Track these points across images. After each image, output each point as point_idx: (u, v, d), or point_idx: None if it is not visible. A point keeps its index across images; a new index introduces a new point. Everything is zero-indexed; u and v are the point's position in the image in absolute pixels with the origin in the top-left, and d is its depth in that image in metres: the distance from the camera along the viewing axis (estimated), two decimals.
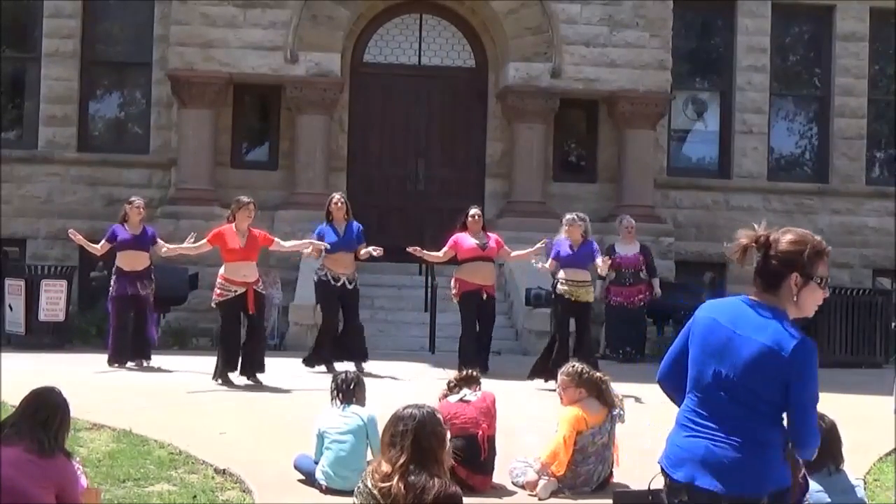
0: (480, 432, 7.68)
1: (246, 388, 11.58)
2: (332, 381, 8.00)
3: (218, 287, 11.89)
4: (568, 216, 12.59)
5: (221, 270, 11.91)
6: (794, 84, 20.38)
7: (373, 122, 18.54)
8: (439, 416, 4.79)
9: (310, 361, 12.80)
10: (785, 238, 4.03)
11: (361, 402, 7.90)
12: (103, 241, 13.23)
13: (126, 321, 13.09)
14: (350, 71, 18.34)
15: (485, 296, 12.83)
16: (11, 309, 15.07)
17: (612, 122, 18.38)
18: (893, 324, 15.72)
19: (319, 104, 17.59)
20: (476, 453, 7.62)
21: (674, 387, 4.21)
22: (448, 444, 4.76)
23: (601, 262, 12.28)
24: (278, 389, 11.53)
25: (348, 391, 7.86)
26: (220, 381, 11.72)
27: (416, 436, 4.59)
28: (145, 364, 13.05)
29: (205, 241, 12.17)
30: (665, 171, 19.14)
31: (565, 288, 12.26)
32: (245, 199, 12.19)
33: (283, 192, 17.74)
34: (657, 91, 18.05)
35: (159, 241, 13.27)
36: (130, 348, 13.05)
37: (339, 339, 12.95)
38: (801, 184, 19.60)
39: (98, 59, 18.93)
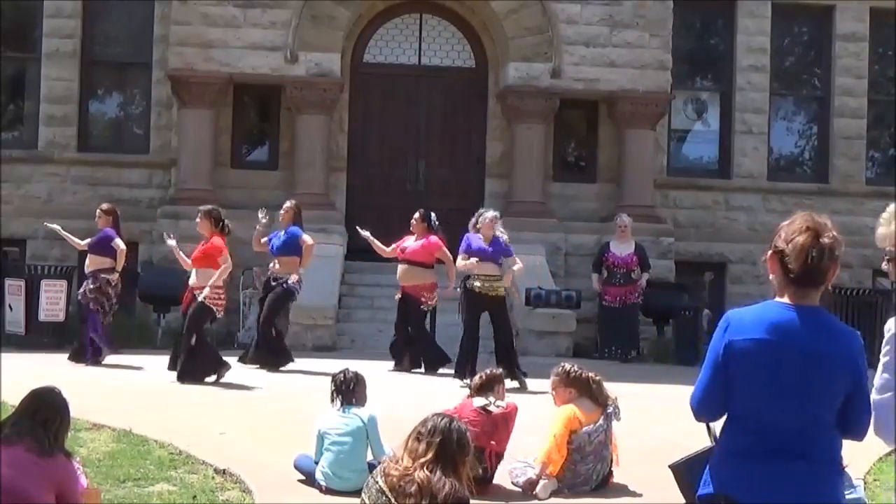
0: (489, 449, 7.65)
1: (245, 388, 11.59)
2: (332, 381, 7.99)
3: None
4: (489, 213, 12.79)
5: None
6: (794, 84, 20.37)
7: (373, 122, 18.53)
8: (469, 434, 4.82)
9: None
10: (831, 229, 3.74)
11: (361, 402, 7.89)
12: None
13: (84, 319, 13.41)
14: (350, 71, 18.34)
15: (398, 295, 13.32)
16: (11, 309, 15.08)
17: (612, 122, 18.38)
18: None
19: (319, 104, 17.58)
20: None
21: (715, 417, 3.93)
22: (470, 459, 4.78)
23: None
24: (278, 389, 11.53)
25: (348, 391, 7.84)
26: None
27: (443, 438, 4.63)
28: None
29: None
30: (665, 171, 19.14)
31: (479, 284, 12.36)
32: (201, 207, 12.53)
33: (283, 192, 17.67)
34: (657, 91, 18.05)
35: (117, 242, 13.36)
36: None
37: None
38: (801, 184, 19.60)
39: (98, 59, 18.92)
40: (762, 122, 19.43)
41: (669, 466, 4.08)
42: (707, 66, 20.13)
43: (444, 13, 18.61)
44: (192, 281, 12.07)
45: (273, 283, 13.17)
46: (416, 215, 13.54)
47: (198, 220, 12.32)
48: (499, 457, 7.77)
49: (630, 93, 17.92)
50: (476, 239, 12.49)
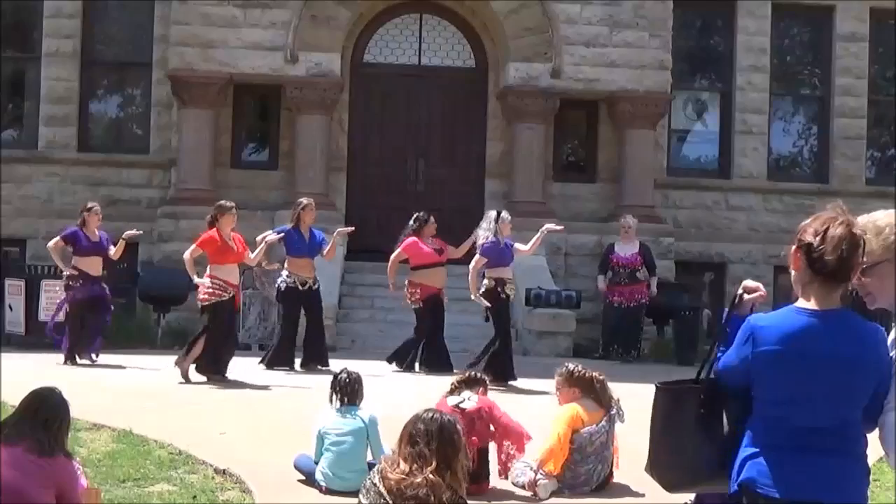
0: (470, 445, 7.60)
1: (245, 388, 11.59)
2: (333, 381, 7.97)
3: (214, 287, 11.85)
4: (504, 213, 12.63)
5: (212, 272, 11.92)
6: (794, 84, 20.38)
7: (373, 122, 18.54)
8: (459, 427, 4.77)
9: (271, 363, 12.92)
10: (855, 224, 3.68)
11: (360, 402, 7.87)
12: (58, 239, 13.47)
13: (84, 321, 13.35)
14: (350, 71, 18.34)
15: (445, 299, 13.26)
16: (11, 309, 15.08)
17: (612, 122, 18.38)
18: (893, 324, 15.69)
19: (319, 104, 17.58)
20: None
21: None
22: (464, 455, 4.71)
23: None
24: (278, 389, 11.53)
25: (350, 392, 7.84)
26: (207, 378, 11.84)
27: (437, 439, 4.56)
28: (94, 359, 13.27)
29: (194, 246, 12.13)
30: (665, 171, 19.14)
31: (512, 286, 12.44)
32: (228, 203, 12.32)
33: (283, 192, 17.73)
34: (657, 91, 18.04)
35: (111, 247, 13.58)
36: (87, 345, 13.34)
37: (305, 343, 13.26)
38: (801, 184, 19.60)
39: (98, 59, 18.93)
40: (762, 122, 19.43)
41: (656, 384, 4.05)
42: (707, 66, 20.12)
43: (444, 13, 18.61)
44: (234, 279, 12.03)
45: (303, 288, 13.10)
46: (433, 219, 13.47)
47: (234, 215, 12.16)
48: (482, 453, 7.73)
49: (630, 93, 17.91)
50: (498, 242, 12.30)
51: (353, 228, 13.80)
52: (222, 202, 12.46)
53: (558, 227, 12.85)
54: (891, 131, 20.20)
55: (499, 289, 12.23)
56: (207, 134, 17.59)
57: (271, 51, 17.49)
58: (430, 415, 4.71)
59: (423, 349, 13.21)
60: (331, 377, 8.15)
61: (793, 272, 3.79)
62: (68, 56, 18.43)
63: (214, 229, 12.04)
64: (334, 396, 7.85)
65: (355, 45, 18.48)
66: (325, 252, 13.37)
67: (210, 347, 11.86)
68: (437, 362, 13.00)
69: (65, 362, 13.01)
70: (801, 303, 3.75)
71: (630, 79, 17.93)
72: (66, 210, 18.06)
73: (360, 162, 18.49)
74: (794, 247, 3.75)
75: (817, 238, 3.68)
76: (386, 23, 18.61)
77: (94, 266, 13.41)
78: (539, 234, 12.68)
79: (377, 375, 12.24)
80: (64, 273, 13.48)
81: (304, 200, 13.51)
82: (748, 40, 19.37)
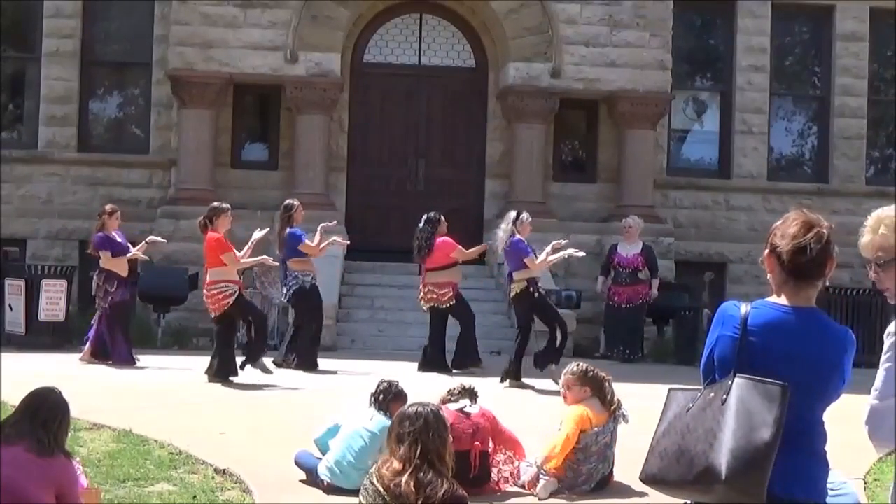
0: (473, 450, 7.61)
1: (245, 388, 11.59)
2: (377, 386, 7.99)
3: (225, 291, 11.81)
4: (524, 214, 12.75)
5: (213, 276, 11.88)
6: (794, 84, 20.38)
7: (373, 122, 18.54)
8: (444, 415, 4.80)
9: (313, 367, 12.89)
10: (824, 222, 3.72)
11: (388, 414, 7.87)
12: (104, 250, 13.37)
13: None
14: (350, 71, 18.34)
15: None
16: (11, 309, 15.07)
17: (612, 122, 18.38)
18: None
19: (319, 104, 17.58)
20: (466, 469, 7.46)
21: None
22: (450, 443, 4.75)
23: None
24: (279, 389, 11.53)
25: (382, 401, 7.83)
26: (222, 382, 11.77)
27: (422, 435, 4.60)
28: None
29: (234, 252, 11.99)
30: (665, 171, 19.14)
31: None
32: (224, 205, 12.35)
33: (283, 192, 17.67)
34: (657, 91, 18.04)
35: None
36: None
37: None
38: (801, 184, 19.61)
39: (98, 59, 18.93)
40: (762, 122, 19.43)
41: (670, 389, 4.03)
42: (707, 66, 20.13)
43: (444, 13, 18.61)
44: (235, 276, 12.00)
45: (317, 283, 13.32)
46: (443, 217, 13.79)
47: (230, 216, 12.20)
48: (483, 457, 7.72)
49: (630, 93, 17.91)
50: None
51: (348, 242, 13.94)
52: (217, 203, 12.46)
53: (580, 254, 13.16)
54: (890, 131, 20.20)
55: (531, 289, 12.29)
56: (207, 134, 17.59)
57: (271, 51, 17.49)
58: (414, 409, 4.73)
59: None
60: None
61: (769, 275, 3.81)
62: (68, 56, 18.43)
63: (213, 232, 11.98)
64: (372, 400, 7.89)
65: (355, 45, 18.48)
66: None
67: (229, 349, 11.95)
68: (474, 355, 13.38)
69: (125, 364, 12.97)
70: (774, 299, 3.77)
71: (630, 79, 17.93)
72: (66, 210, 18.10)
73: (360, 162, 18.49)
74: (766, 251, 3.78)
75: (784, 241, 3.71)
76: (386, 23, 18.61)
77: (124, 267, 13.39)
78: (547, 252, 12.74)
79: (377, 375, 12.24)
80: (95, 276, 13.40)
81: (295, 202, 13.56)
82: (748, 40, 19.37)
